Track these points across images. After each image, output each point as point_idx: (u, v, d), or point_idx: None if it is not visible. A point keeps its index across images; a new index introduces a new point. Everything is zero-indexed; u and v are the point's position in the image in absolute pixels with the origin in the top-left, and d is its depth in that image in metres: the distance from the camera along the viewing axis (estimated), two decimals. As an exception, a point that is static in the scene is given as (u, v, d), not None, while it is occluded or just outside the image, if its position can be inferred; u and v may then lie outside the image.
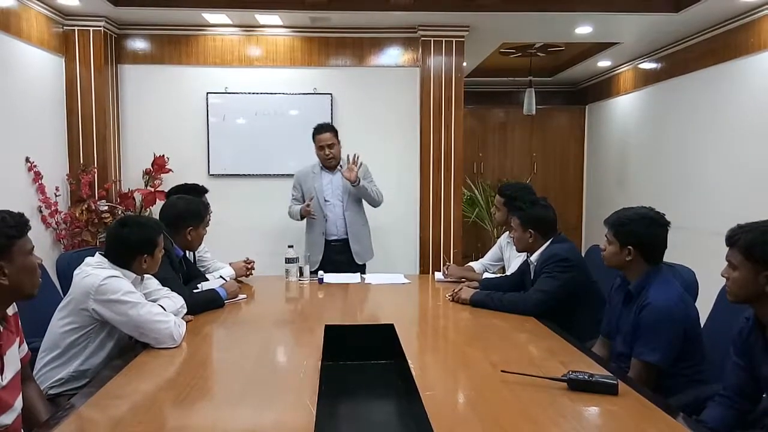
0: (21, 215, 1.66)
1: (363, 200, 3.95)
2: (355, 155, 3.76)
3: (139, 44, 4.76)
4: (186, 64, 4.76)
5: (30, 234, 1.69)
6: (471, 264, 3.63)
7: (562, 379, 1.75)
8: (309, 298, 3.20)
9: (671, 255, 2.26)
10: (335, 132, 3.88)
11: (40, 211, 4.13)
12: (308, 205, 3.77)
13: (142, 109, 4.78)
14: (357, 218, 3.93)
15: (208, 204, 3.22)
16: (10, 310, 1.71)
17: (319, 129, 3.86)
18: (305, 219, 3.88)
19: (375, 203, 3.94)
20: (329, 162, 3.85)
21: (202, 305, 2.67)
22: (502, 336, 2.41)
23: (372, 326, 2.62)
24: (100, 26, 4.45)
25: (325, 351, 2.14)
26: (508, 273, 3.29)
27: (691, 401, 1.94)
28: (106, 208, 4.44)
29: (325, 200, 3.88)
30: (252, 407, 1.69)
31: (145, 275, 2.32)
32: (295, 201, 3.96)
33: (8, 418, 1.62)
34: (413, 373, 1.92)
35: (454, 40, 4.69)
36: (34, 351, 2.03)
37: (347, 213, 3.89)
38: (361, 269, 3.88)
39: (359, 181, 3.75)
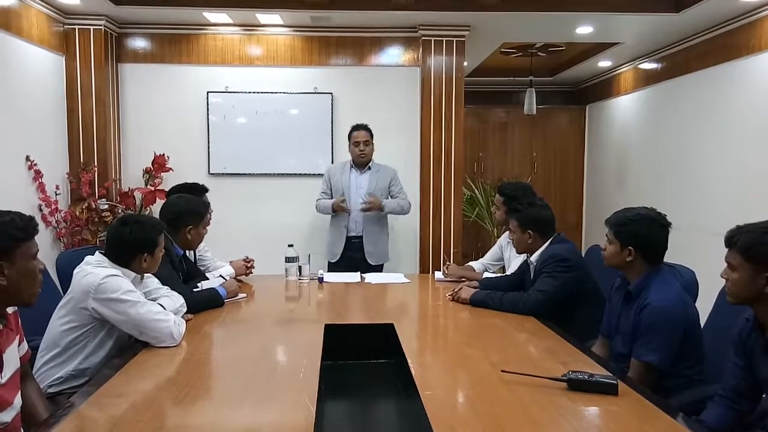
0: (31, 218, 1.65)
1: None
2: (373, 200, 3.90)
3: (139, 43, 4.76)
4: (186, 63, 4.76)
5: (35, 236, 1.69)
6: (471, 263, 3.63)
7: (561, 378, 1.75)
8: (309, 297, 3.20)
9: (671, 255, 2.26)
10: (371, 133, 4.01)
11: (41, 210, 4.13)
12: (343, 201, 3.90)
13: (142, 107, 4.78)
14: (375, 220, 4.01)
15: (209, 203, 3.22)
16: (10, 309, 1.71)
17: (356, 127, 4.04)
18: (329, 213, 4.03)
19: (402, 214, 4.13)
20: (361, 158, 3.98)
21: (202, 304, 2.67)
22: (502, 336, 2.41)
23: (372, 326, 2.62)
24: (100, 25, 4.45)
25: (324, 350, 2.14)
26: (508, 273, 3.29)
27: (690, 401, 1.94)
28: (107, 206, 4.45)
29: (350, 197, 3.97)
30: (252, 406, 1.69)
31: (145, 274, 2.31)
32: (324, 194, 4.07)
33: (8, 416, 1.62)
34: (413, 372, 1.92)
35: (454, 39, 4.69)
36: (33, 349, 2.02)
37: (366, 213, 3.95)
38: (378, 270, 3.96)
39: (383, 209, 3.94)
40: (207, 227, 3.01)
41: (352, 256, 3.95)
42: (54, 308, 2.19)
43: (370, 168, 4.03)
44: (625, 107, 6.32)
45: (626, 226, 2.20)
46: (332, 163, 4.64)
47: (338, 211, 3.93)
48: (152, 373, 1.93)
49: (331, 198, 4.01)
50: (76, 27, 4.45)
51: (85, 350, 2.12)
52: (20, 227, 1.61)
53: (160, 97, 4.78)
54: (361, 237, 3.99)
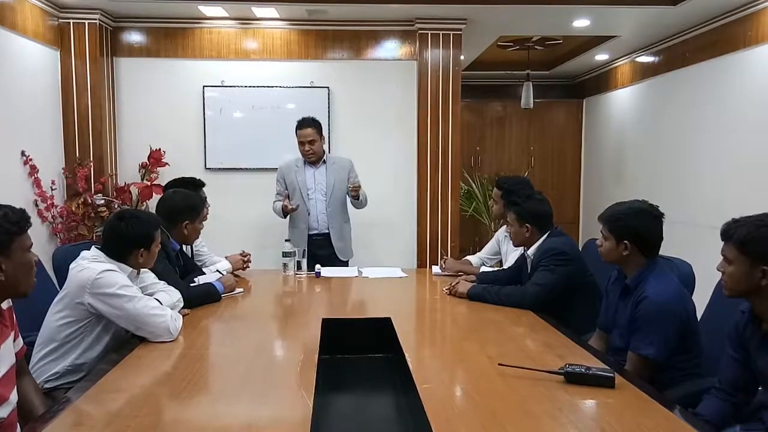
0: (23, 211, 1.66)
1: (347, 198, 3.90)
2: (358, 186, 3.73)
3: (134, 37, 4.74)
4: (182, 57, 4.74)
5: (28, 229, 1.69)
6: (468, 258, 3.63)
7: (559, 372, 1.76)
8: (306, 292, 3.20)
9: (668, 249, 2.26)
10: (319, 128, 3.80)
11: (36, 205, 4.11)
12: (287, 205, 3.69)
13: (138, 102, 4.76)
14: (339, 214, 3.89)
15: (205, 198, 3.21)
16: (5, 304, 1.71)
17: (301, 124, 3.78)
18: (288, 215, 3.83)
19: (361, 208, 3.91)
20: (309, 158, 3.81)
21: (199, 299, 2.67)
22: (499, 329, 2.41)
23: (369, 320, 2.62)
24: (95, 19, 4.43)
25: (322, 345, 2.14)
26: (505, 267, 3.29)
27: (687, 394, 1.95)
28: (103, 201, 4.43)
29: (308, 195, 3.83)
30: (249, 401, 1.68)
31: (142, 269, 2.31)
32: (279, 196, 3.90)
33: (4, 412, 1.62)
34: (410, 366, 1.92)
35: (451, 33, 4.67)
36: (29, 345, 2.02)
37: (329, 209, 3.84)
38: (343, 266, 3.84)
39: (359, 196, 3.75)
40: (203, 222, 3.00)
41: (317, 254, 3.74)
42: (50, 304, 2.18)
43: (325, 162, 3.86)
44: (622, 100, 6.31)
45: (620, 220, 2.20)
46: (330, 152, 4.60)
47: (288, 213, 3.75)
48: (149, 368, 1.93)
49: (289, 198, 3.81)
50: (71, 21, 4.42)
51: (81, 345, 2.12)
52: (14, 221, 1.61)
53: (155, 92, 4.75)
54: (325, 234, 3.84)
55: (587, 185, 7.24)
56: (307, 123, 3.77)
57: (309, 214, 3.83)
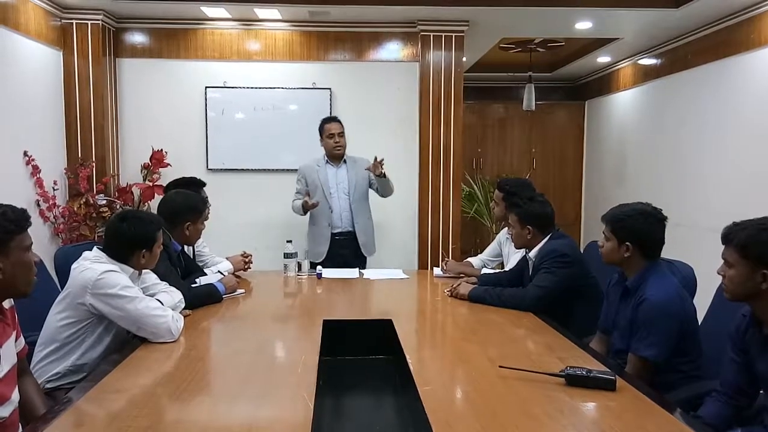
0: (23, 211, 1.66)
1: (369, 193, 3.98)
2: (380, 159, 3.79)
3: (137, 38, 4.74)
4: (184, 58, 4.74)
5: (28, 228, 1.69)
6: (469, 259, 3.62)
7: (559, 374, 1.75)
8: (307, 293, 3.20)
9: (670, 251, 2.26)
10: (342, 125, 3.95)
11: (38, 205, 4.12)
12: (307, 201, 3.74)
13: (140, 103, 4.76)
14: (363, 211, 3.96)
15: (207, 198, 3.21)
16: (6, 304, 1.72)
17: (329, 119, 3.98)
18: (309, 212, 3.88)
19: (390, 193, 3.98)
20: (337, 151, 3.88)
21: (200, 300, 2.67)
22: (500, 331, 2.41)
23: (370, 321, 2.62)
24: (98, 20, 4.44)
25: (323, 346, 2.14)
26: (506, 268, 3.29)
27: (688, 397, 1.95)
28: (105, 202, 4.44)
29: (330, 193, 3.89)
30: (250, 402, 1.68)
31: (143, 270, 2.31)
32: (299, 195, 3.95)
33: (5, 411, 1.62)
34: (411, 368, 1.92)
35: (453, 34, 4.68)
36: (31, 345, 2.02)
37: (354, 205, 3.90)
38: (363, 263, 3.89)
39: (384, 174, 3.81)
40: (205, 223, 3.01)
41: (339, 253, 3.82)
42: (52, 303, 2.19)
43: (345, 161, 3.94)
44: (624, 103, 6.31)
45: (623, 221, 2.20)
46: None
47: (309, 210, 3.81)
48: (150, 369, 1.93)
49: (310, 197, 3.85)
50: (74, 21, 4.43)
51: (82, 346, 2.12)
52: (12, 219, 1.62)
53: (158, 93, 4.76)
54: (350, 232, 3.89)
55: (589, 187, 7.24)
56: (334, 118, 3.98)
57: (332, 211, 3.87)
